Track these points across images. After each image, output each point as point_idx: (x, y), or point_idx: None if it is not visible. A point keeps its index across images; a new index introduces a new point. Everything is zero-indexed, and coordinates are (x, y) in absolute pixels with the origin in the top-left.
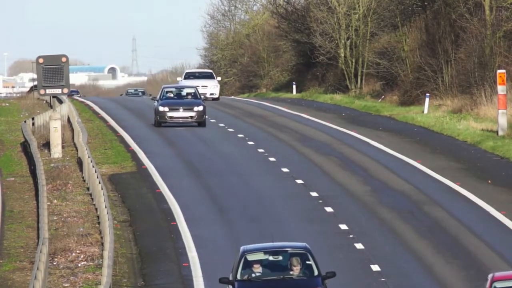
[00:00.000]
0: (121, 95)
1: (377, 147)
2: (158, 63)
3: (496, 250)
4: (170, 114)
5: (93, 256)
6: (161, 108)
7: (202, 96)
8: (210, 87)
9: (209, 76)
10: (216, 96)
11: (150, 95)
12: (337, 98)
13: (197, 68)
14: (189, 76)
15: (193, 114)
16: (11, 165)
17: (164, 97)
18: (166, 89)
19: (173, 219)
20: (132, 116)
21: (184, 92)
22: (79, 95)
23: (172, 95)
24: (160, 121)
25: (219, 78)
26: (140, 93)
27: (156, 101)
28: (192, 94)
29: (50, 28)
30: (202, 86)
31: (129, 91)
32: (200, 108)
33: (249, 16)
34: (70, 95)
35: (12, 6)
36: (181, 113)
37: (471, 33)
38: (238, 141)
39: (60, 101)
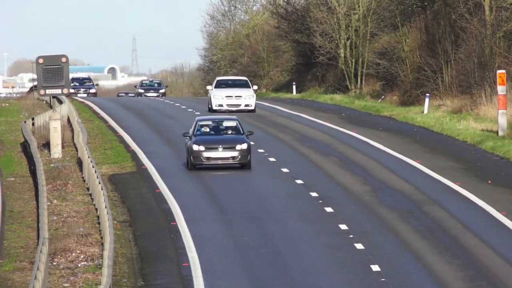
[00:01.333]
0: (135, 86)
1: (377, 147)
2: (158, 63)
3: (496, 250)
4: (207, 154)
5: (93, 256)
6: (195, 147)
7: (239, 105)
8: (245, 97)
9: (244, 85)
10: (252, 107)
11: (167, 86)
12: (337, 98)
13: (231, 75)
14: (220, 84)
15: (235, 154)
16: (11, 165)
17: (198, 133)
18: (200, 122)
19: (173, 219)
20: (132, 116)
21: (223, 126)
22: (91, 83)
23: (208, 130)
24: (195, 163)
25: (255, 87)
26: (156, 85)
27: (188, 137)
28: (234, 127)
29: (50, 28)
30: (236, 96)
31: (144, 82)
32: (244, 146)
33: (249, 16)
34: (81, 83)
35: (12, 6)
36: (220, 153)
37: (471, 33)
38: None
39: (60, 101)
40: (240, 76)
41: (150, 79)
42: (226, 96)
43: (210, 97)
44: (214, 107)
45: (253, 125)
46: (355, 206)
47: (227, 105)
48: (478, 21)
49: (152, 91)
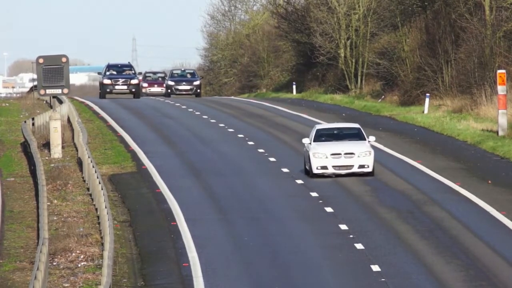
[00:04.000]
0: (164, 76)
1: (377, 147)
2: (158, 63)
3: (496, 250)
4: None
5: (93, 256)
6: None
7: (344, 170)
8: (359, 155)
9: (355, 136)
10: (370, 169)
11: (202, 77)
12: (337, 98)
13: (335, 122)
14: (321, 135)
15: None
16: (11, 165)
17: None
18: None
19: (173, 219)
20: (132, 116)
21: None
22: (132, 71)
23: None
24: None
25: (371, 138)
26: (188, 75)
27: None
28: None
29: (50, 28)
30: (346, 154)
31: (174, 72)
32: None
33: (249, 16)
34: (120, 72)
35: (11, 6)
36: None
37: (471, 33)
38: (238, 141)
39: (60, 101)
40: (349, 122)
41: (182, 68)
42: (332, 155)
43: (308, 156)
44: (315, 171)
45: (253, 125)
46: (355, 206)
47: (333, 167)
48: (478, 21)
49: (184, 83)
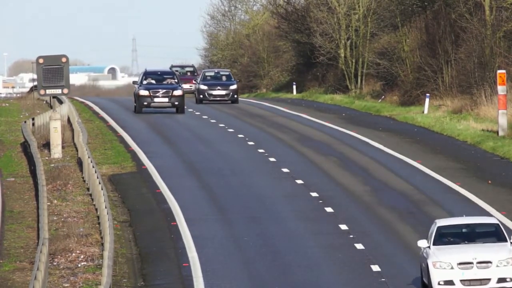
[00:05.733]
0: (195, 76)
1: (377, 147)
2: (158, 63)
3: None
4: None
5: (93, 256)
6: None
7: None
8: (499, 265)
9: (492, 234)
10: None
11: (240, 80)
12: (337, 99)
13: None
14: (444, 234)
15: None
16: (11, 165)
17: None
18: None
19: (173, 219)
20: (132, 116)
21: None
22: (175, 79)
23: None
24: None
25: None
26: (223, 77)
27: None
28: None
29: (50, 28)
30: (480, 263)
31: (207, 74)
32: None
33: (249, 16)
34: (159, 80)
35: (11, 6)
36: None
37: (471, 33)
38: (238, 141)
39: (60, 102)
40: (484, 216)
41: (216, 69)
42: (460, 264)
43: (427, 262)
44: (437, 287)
45: (253, 125)
46: (355, 206)
47: (462, 281)
48: (478, 21)
49: (219, 87)
